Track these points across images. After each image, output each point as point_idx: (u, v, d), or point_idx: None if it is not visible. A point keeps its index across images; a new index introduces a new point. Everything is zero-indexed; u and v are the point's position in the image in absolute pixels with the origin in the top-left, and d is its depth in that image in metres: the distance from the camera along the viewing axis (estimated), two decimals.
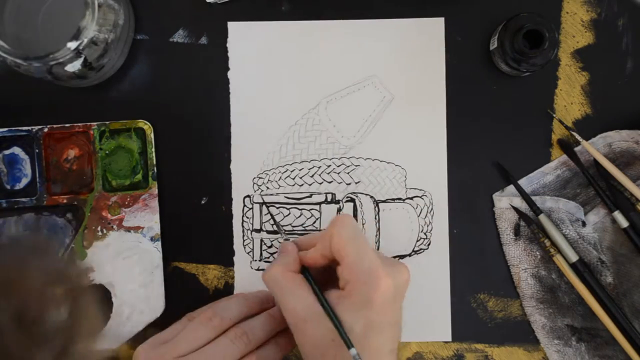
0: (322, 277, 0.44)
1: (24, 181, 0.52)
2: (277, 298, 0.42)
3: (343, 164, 0.52)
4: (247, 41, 0.52)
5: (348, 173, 0.52)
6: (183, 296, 0.51)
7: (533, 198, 0.51)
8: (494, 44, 0.50)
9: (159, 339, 0.45)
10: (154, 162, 0.51)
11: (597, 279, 0.50)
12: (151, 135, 0.51)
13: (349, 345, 0.38)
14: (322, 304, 0.40)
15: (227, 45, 0.52)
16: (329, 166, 0.52)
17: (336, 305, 0.40)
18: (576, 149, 0.52)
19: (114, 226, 0.51)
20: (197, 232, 0.52)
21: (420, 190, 0.52)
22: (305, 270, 0.43)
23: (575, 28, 0.52)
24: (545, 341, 0.51)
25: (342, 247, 0.40)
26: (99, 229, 0.51)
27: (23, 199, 0.51)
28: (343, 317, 0.39)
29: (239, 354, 0.43)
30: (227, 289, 0.52)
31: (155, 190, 0.51)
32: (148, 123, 0.51)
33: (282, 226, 0.52)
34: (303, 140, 0.52)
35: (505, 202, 0.52)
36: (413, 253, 0.52)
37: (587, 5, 0.52)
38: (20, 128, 0.51)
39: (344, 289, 0.40)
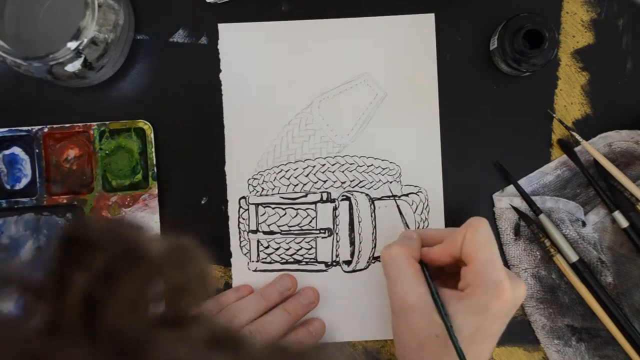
0: (434, 273, 0.44)
1: (24, 181, 0.52)
2: (390, 278, 0.42)
3: (337, 162, 0.52)
4: (238, 42, 0.52)
5: (343, 171, 0.52)
6: None
7: (533, 198, 0.51)
8: (494, 44, 0.50)
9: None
10: (154, 162, 0.51)
11: (597, 279, 0.50)
12: (151, 135, 0.51)
13: (456, 344, 0.38)
14: (434, 298, 0.40)
15: (218, 47, 0.52)
16: (323, 165, 0.52)
17: (448, 304, 0.40)
18: (576, 149, 0.52)
19: None
20: (197, 232, 0.52)
21: (415, 186, 0.52)
22: (422, 263, 0.43)
23: (575, 28, 0.52)
24: (545, 341, 0.51)
25: (473, 250, 0.40)
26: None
27: (23, 199, 0.51)
28: (455, 317, 0.39)
29: None
30: (227, 289, 0.52)
31: (155, 190, 0.51)
32: (148, 123, 0.51)
33: (289, 227, 0.52)
34: (297, 140, 0.52)
35: (505, 202, 0.52)
36: None
37: (587, 5, 0.52)
38: (20, 128, 0.51)
39: (464, 290, 0.40)
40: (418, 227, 0.52)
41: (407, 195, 0.52)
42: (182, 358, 0.18)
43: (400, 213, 0.49)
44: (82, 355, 0.17)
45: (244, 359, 0.21)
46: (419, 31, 0.52)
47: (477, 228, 0.41)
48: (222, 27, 0.52)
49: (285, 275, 0.50)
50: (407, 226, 0.49)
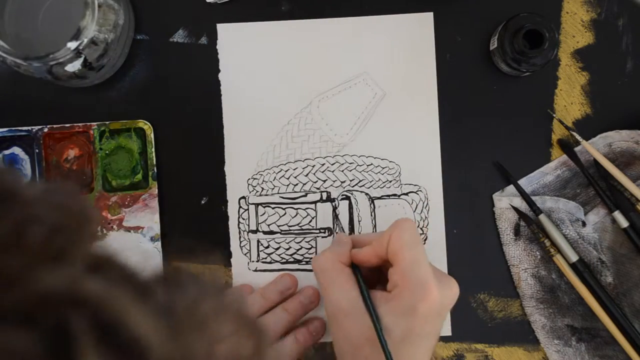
0: (368, 277, 0.44)
1: None
2: (322, 286, 0.42)
3: (337, 162, 0.52)
4: (237, 42, 0.52)
5: (342, 171, 0.52)
6: None
7: (533, 198, 0.51)
8: (494, 44, 0.50)
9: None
10: (154, 162, 0.51)
11: (597, 279, 0.50)
12: (151, 135, 0.51)
13: (384, 346, 0.38)
14: (365, 301, 0.40)
15: (217, 47, 0.52)
16: (323, 164, 0.52)
17: (379, 307, 0.40)
18: (576, 149, 0.52)
19: (114, 226, 0.51)
20: (197, 232, 0.52)
21: (415, 185, 0.52)
22: (354, 266, 0.43)
23: (575, 28, 0.52)
24: (545, 341, 0.51)
25: (399, 251, 0.40)
26: (99, 229, 0.51)
27: None
28: (384, 319, 0.39)
29: None
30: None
31: (155, 190, 0.51)
32: (148, 123, 0.51)
33: (289, 227, 0.52)
34: (296, 139, 0.52)
35: (505, 202, 0.52)
36: None
37: (587, 5, 0.52)
38: (20, 128, 0.51)
39: (391, 291, 0.40)
40: (418, 226, 0.52)
41: (406, 194, 0.52)
42: (58, 287, 0.18)
43: (336, 217, 0.50)
44: None
45: (116, 278, 0.21)
46: (418, 30, 0.52)
47: (402, 229, 0.41)
48: (220, 27, 0.52)
49: (286, 274, 0.50)
50: (342, 230, 0.49)
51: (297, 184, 0.52)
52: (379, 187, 0.52)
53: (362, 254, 0.43)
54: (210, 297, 0.23)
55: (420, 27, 0.52)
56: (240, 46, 0.52)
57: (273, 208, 0.52)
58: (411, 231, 0.41)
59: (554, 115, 0.52)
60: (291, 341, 0.47)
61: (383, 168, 0.52)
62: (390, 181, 0.52)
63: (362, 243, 0.44)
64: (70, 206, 0.22)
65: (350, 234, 0.51)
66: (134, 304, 0.19)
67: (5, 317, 0.17)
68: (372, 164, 0.52)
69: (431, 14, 0.52)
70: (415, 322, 0.39)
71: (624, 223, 0.50)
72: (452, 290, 0.41)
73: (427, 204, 0.52)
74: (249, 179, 0.52)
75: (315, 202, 0.51)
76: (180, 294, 0.22)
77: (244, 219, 0.52)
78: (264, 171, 0.52)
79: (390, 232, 0.41)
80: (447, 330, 0.52)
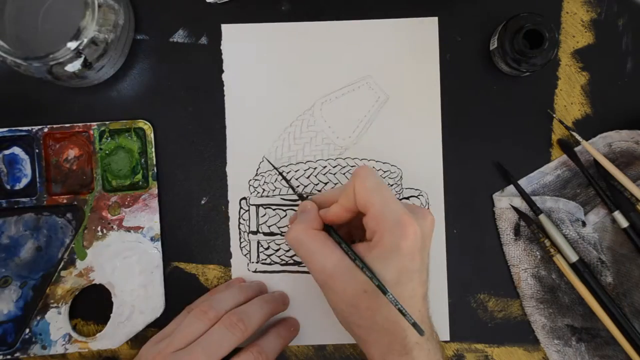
0: (342, 234, 0.44)
1: (24, 181, 0.52)
2: (303, 258, 0.42)
3: (339, 164, 0.52)
4: (241, 43, 0.52)
5: (344, 174, 0.52)
6: (183, 296, 0.51)
7: (533, 198, 0.51)
8: (494, 44, 0.50)
9: (161, 335, 0.45)
10: (154, 162, 0.51)
11: (597, 279, 0.50)
12: (151, 135, 0.51)
13: (384, 290, 0.38)
14: (350, 256, 0.41)
15: (221, 47, 0.52)
16: (324, 167, 0.52)
17: (364, 257, 0.40)
18: (576, 149, 0.52)
19: (114, 226, 0.51)
20: (197, 232, 0.52)
21: (416, 189, 0.52)
22: (329, 227, 0.43)
23: (575, 28, 0.52)
24: (545, 341, 0.51)
25: (367, 198, 0.41)
26: (99, 229, 0.51)
27: (23, 199, 0.51)
28: (373, 267, 0.40)
29: (236, 341, 0.43)
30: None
31: (155, 190, 0.51)
32: (148, 123, 0.51)
33: (295, 187, 0.52)
34: (298, 141, 0.52)
35: (505, 202, 0.52)
36: None
37: (587, 5, 0.52)
38: (20, 128, 0.51)
39: (372, 239, 0.41)
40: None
41: (407, 198, 0.52)
42: None
43: (286, 180, 0.50)
44: None
45: None
46: (422, 34, 0.52)
47: (364, 176, 0.41)
48: (225, 27, 0.52)
49: (260, 283, 0.51)
50: (298, 195, 0.49)
51: (298, 186, 0.52)
52: None
53: (332, 213, 0.43)
54: None
55: (424, 31, 0.52)
56: (245, 47, 0.52)
57: (274, 209, 0.52)
58: (372, 176, 0.41)
59: (554, 115, 0.52)
60: (274, 336, 0.47)
61: (385, 172, 0.52)
62: (392, 185, 0.52)
63: (328, 202, 0.44)
64: None
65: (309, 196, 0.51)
66: None
67: None
68: (374, 167, 0.52)
69: (436, 18, 0.52)
70: (404, 260, 0.39)
71: (624, 223, 0.50)
72: (427, 219, 0.41)
73: (428, 208, 0.52)
74: (250, 179, 0.52)
75: None
76: None
77: (244, 219, 0.52)
78: (265, 172, 0.52)
79: (353, 183, 0.41)
80: (444, 335, 0.52)
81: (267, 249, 0.52)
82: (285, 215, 0.52)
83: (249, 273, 0.52)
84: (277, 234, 0.52)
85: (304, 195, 0.49)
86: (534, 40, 0.48)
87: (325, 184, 0.52)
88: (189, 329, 0.43)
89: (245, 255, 0.52)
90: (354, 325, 0.42)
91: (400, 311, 0.38)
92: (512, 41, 0.48)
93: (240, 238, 0.52)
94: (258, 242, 0.52)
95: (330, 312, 0.51)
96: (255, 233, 0.52)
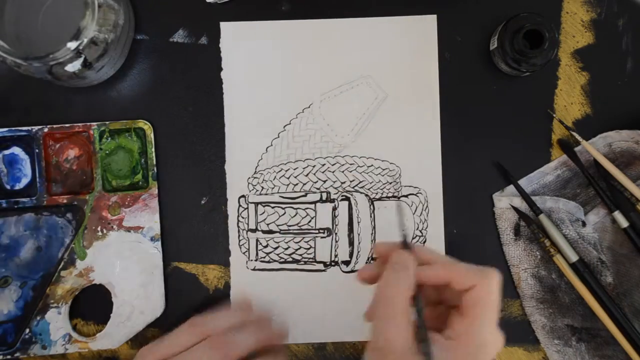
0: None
1: (24, 181, 0.52)
2: (380, 317, 0.38)
3: (337, 162, 0.52)
4: (240, 41, 0.52)
5: (342, 172, 0.52)
6: (183, 296, 0.51)
7: (533, 198, 0.51)
8: (494, 44, 0.50)
9: (159, 340, 0.45)
10: (154, 162, 0.51)
11: (597, 279, 0.50)
12: (151, 135, 0.51)
13: None
14: (423, 345, 0.37)
15: (220, 45, 0.52)
16: (323, 165, 0.52)
17: (433, 352, 0.37)
18: (576, 149, 0.52)
19: (114, 226, 0.51)
20: (197, 232, 0.52)
21: (415, 187, 0.52)
22: (417, 303, 0.38)
23: (575, 28, 0.52)
24: (545, 341, 0.51)
25: (482, 305, 0.37)
26: (99, 229, 0.51)
27: (23, 199, 0.51)
28: None
29: None
30: (227, 289, 0.52)
31: (155, 190, 0.51)
32: (148, 123, 0.51)
33: (288, 226, 0.52)
34: (297, 139, 0.52)
35: (505, 202, 0.52)
36: None
37: (587, 5, 0.52)
38: (20, 128, 0.51)
39: (453, 339, 0.38)
40: (417, 228, 0.51)
41: (406, 196, 0.52)
42: None
43: (400, 215, 0.44)
44: None
45: None
46: (420, 33, 0.52)
47: (492, 283, 0.38)
48: (224, 25, 0.52)
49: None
50: (403, 242, 0.41)
51: (297, 184, 0.52)
52: (379, 188, 0.52)
53: (428, 276, 0.38)
54: None
55: (423, 29, 0.52)
56: (243, 45, 0.52)
57: (273, 207, 0.52)
58: (498, 288, 0.38)
59: (554, 115, 0.52)
60: (249, 334, 0.41)
61: (383, 170, 0.52)
62: (391, 183, 0.52)
63: (424, 260, 0.40)
64: None
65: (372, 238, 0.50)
66: None
67: None
68: (372, 165, 0.52)
69: (434, 16, 0.52)
70: None
71: (624, 223, 0.50)
72: (501, 340, 0.39)
73: (427, 206, 0.52)
74: (249, 177, 0.52)
75: (314, 202, 0.51)
76: None
77: (243, 217, 0.52)
78: (264, 170, 0.52)
79: (479, 280, 0.38)
80: None
81: (266, 246, 0.52)
82: (284, 213, 0.52)
83: (247, 271, 0.52)
84: (275, 232, 0.52)
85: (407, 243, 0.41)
86: (534, 40, 0.48)
87: (325, 181, 0.52)
88: (176, 340, 0.42)
89: (244, 253, 0.52)
90: None
91: None
92: (512, 41, 0.48)
93: (239, 236, 0.52)
94: (257, 240, 0.52)
95: (330, 311, 0.51)
96: (254, 231, 0.52)
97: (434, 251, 0.41)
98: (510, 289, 0.52)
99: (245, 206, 0.52)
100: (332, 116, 0.52)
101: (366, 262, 0.51)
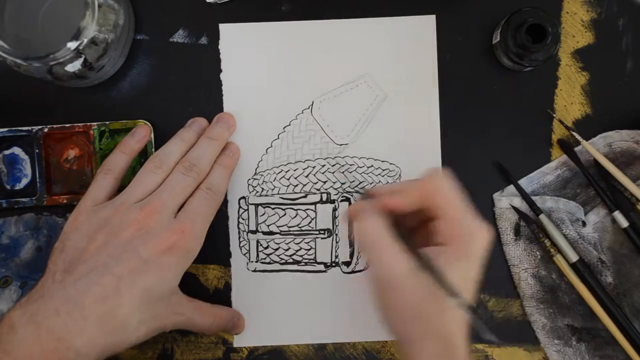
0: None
1: (24, 181, 0.52)
2: (371, 253, 0.41)
3: (337, 163, 0.52)
4: (239, 42, 0.52)
5: (342, 172, 0.52)
6: None
7: (533, 198, 0.51)
8: (496, 38, 0.50)
9: (91, 199, 0.45)
10: None
11: (597, 279, 0.50)
12: (151, 135, 0.51)
13: (455, 293, 0.38)
14: (421, 260, 0.40)
15: (219, 47, 0.52)
16: (323, 166, 0.52)
17: (433, 261, 0.40)
18: (576, 149, 0.52)
19: None
20: None
21: None
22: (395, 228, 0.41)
23: (575, 28, 0.52)
24: (545, 341, 0.51)
25: (449, 202, 0.41)
26: None
27: (23, 199, 0.51)
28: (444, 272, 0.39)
29: (194, 184, 0.46)
30: (227, 289, 0.52)
31: None
32: (148, 123, 0.51)
33: (287, 228, 0.52)
34: (297, 140, 0.52)
35: (505, 202, 0.52)
36: None
37: (587, 5, 0.52)
38: (20, 128, 0.51)
39: (441, 244, 0.41)
40: None
41: None
42: None
43: (347, 177, 0.49)
44: None
45: None
46: (420, 32, 0.52)
47: (446, 179, 0.41)
48: (223, 27, 0.52)
49: (199, 118, 0.51)
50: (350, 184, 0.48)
51: (297, 185, 0.52)
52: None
53: (394, 202, 0.42)
54: None
55: (422, 29, 0.52)
56: (243, 46, 0.52)
57: (273, 208, 0.52)
58: (450, 180, 0.42)
59: (554, 115, 0.52)
60: (220, 169, 0.48)
61: (383, 170, 0.52)
62: (391, 183, 0.52)
63: (389, 192, 0.43)
64: None
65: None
66: None
67: None
68: (372, 165, 0.52)
69: (433, 16, 0.52)
70: (470, 269, 0.40)
71: (624, 223, 0.50)
72: (491, 232, 0.42)
73: None
74: (249, 179, 0.52)
75: (315, 203, 0.51)
76: None
77: (243, 219, 0.52)
78: (264, 171, 0.52)
79: (430, 183, 0.41)
80: None
81: (266, 248, 0.52)
82: (285, 214, 0.52)
83: (248, 272, 0.52)
84: (276, 233, 0.52)
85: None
86: (537, 35, 0.48)
87: (324, 182, 0.52)
88: (147, 182, 0.45)
89: (244, 254, 0.52)
90: (407, 331, 0.40)
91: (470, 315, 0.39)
92: (515, 35, 0.48)
93: (239, 237, 0.52)
94: (257, 242, 0.52)
95: (330, 311, 0.51)
96: (254, 232, 0.52)
97: (400, 185, 0.45)
98: (510, 289, 0.52)
99: (246, 207, 0.52)
100: (331, 117, 0.52)
101: (366, 263, 0.51)
